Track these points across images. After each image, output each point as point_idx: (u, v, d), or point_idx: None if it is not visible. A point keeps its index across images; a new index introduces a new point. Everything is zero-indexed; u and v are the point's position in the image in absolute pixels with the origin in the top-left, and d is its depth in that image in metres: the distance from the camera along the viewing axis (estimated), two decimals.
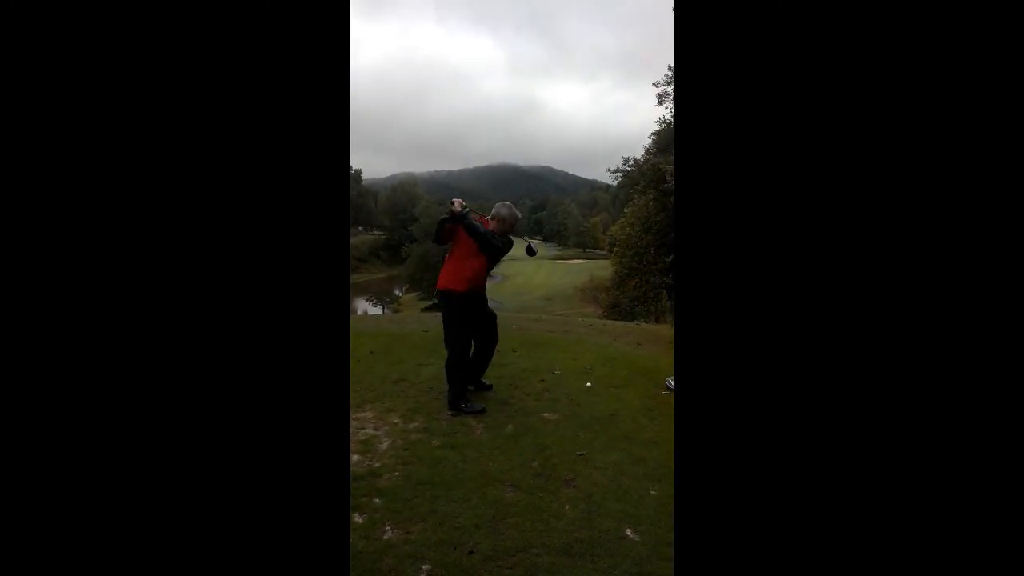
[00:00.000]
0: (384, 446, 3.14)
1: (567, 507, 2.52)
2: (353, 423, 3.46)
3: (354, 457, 2.98)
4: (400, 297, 41.98)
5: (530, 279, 51.29)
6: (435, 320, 8.48)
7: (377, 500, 2.53)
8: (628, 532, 2.35)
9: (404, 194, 65.60)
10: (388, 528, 2.31)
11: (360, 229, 70.45)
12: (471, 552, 2.16)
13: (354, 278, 50.91)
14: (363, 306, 38.76)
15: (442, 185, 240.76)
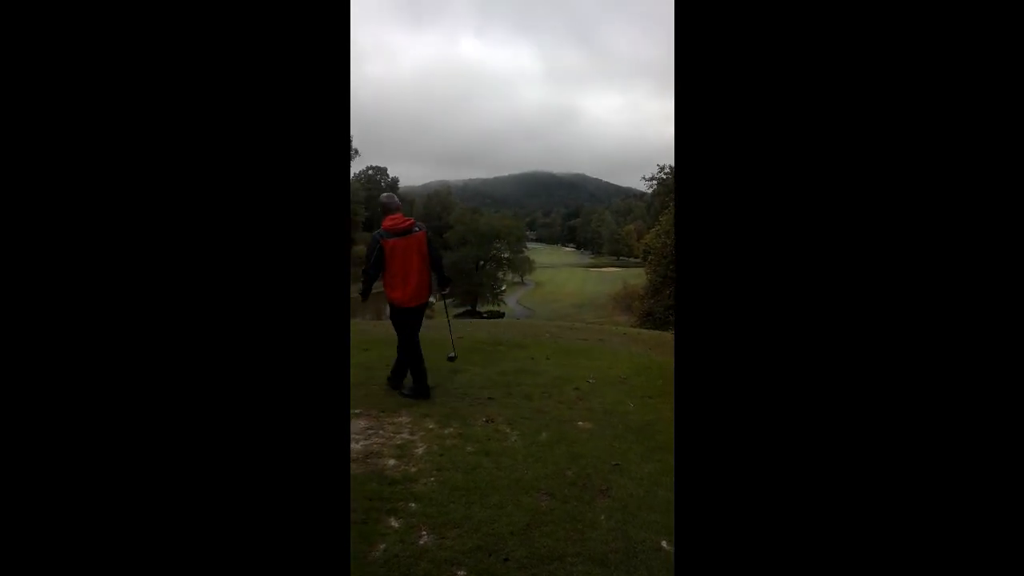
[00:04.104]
0: (420, 451, 3.17)
1: (602, 517, 2.51)
2: (389, 427, 3.52)
3: (390, 461, 3.02)
4: (432, 304, 42.25)
5: (561, 287, 51.18)
6: (468, 327, 8.53)
7: (413, 504, 2.55)
8: (664, 544, 2.32)
9: (439, 202, 66.23)
10: (424, 533, 2.33)
11: None
12: (506, 559, 2.17)
13: None
14: None
15: (476, 193, 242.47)
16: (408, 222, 4.15)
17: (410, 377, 4.29)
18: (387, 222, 4.14)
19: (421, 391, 4.21)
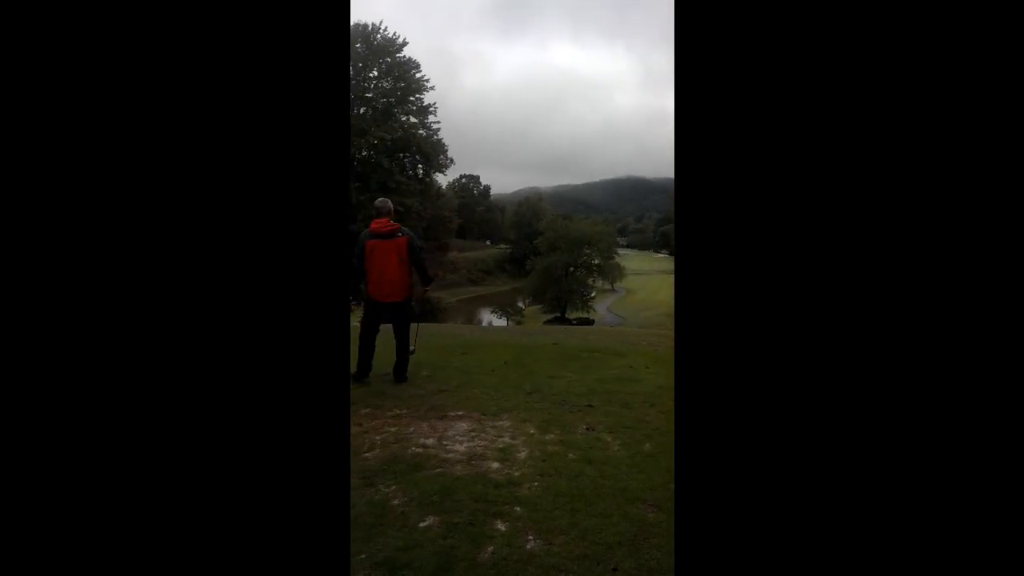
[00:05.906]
0: (522, 456, 3.19)
1: None
2: (491, 431, 3.57)
3: (494, 464, 3.07)
4: (523, 309, 42.54)
5: (653, 294, 49.95)
6: (563, 333, 8.52)
7: (518, 509, 2.57)
8: None
9: (530, 208, 66.86)
10: (531, 537, 2.34)
11: (487, 242, 72.89)
12: (615, 569, 2.13)
13: (479, 290, 52.62)
14: (487, 317, 39.68)
15: (567, 199, 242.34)
16: (392, 227, 4.59)
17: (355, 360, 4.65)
18: (373, 224, 4.62)
19: (359, 377, 4.64)
